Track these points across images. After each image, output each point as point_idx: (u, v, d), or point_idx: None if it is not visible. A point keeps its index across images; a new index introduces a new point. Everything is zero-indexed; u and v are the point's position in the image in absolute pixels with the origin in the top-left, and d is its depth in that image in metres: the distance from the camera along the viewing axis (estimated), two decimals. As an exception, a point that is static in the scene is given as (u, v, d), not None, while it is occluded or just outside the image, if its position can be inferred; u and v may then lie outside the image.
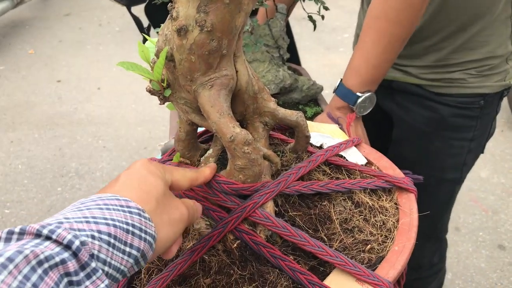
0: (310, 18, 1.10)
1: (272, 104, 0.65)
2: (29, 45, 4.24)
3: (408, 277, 1.36)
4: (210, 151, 0.67)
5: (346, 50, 3.89)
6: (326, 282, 0.55)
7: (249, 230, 0.58)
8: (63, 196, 2.47)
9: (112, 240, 0.38)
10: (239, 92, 0.62)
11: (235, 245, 0.58)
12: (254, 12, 1.29)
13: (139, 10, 1.67)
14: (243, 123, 0.66)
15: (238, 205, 0.58)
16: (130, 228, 0.40)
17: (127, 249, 0.39)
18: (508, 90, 1.11)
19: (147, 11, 1.58)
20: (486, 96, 1.07)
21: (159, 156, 0.77)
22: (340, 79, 0.98)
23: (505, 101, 2.84)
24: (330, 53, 3.86)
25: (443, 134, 1.11)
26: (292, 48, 1.47)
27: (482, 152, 1.19)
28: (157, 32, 1.47)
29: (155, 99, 3.29)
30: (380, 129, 1.22)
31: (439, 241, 1.33)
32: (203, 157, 0.66)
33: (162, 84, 0.60)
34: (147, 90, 0.61)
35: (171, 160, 0.68)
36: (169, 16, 0.55)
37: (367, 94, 0.95)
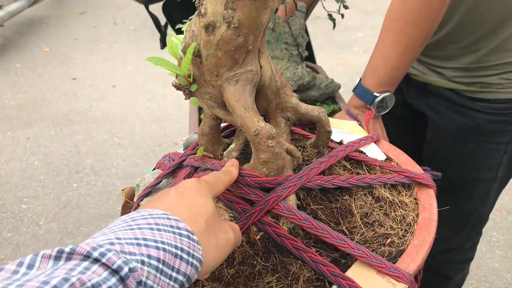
0: (330, 16, 1.11)
1: (294, 99, 0.66)
2: (45, 43, 4.29)
3: (437, 258, 1.34)
4: (232, 145, 0.68)
5: (359, 49, 3.88)
6: (348, 273, 0.56)
7: (272, 222, 0.59)
8: (79, 192, 2.50)
9: (160, 266, 0.38)
10: (263, 87, 0.64)
11: (258, 236, 0.59)
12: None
13: (156, 8, 1.69)
14: (266, 118, 0.68)
15: (261, 198, 0.60)
16: (179, 252, 0.40)
17: (174, 274, 0.39)
18: None
19: (165, 9, 1.59)
20: None
21: (181, 150, 0.79)
22: (359, 79, 0.99)
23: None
24: (344, 52, 3.85)
25: (477, 139, 1.09)
26: (308, 47, 1.48)
27: None
28: (175, 29, 1.48)
29: (169, 97, 3.32)
30: (413, 129, 1.22)
31: (474, 231, 1.31)
32: (226, 151, 0.68)
33: (189, 79, 0.61)
34: (173, 85, 0.63)
35: (195, 153, 0.69)
36: (196, 12, 0.57)
37: (384, 95, 0.96)
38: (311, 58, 1.49)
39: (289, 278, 0.57)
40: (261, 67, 0.62)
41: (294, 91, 1.11)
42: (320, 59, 1.88)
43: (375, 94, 0.95)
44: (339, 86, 1.18)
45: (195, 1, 0.58)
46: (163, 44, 1.77)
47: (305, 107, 0.66)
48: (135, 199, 0.73)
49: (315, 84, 1.14)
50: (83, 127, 3.04)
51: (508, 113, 1.05)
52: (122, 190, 0.79)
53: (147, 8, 1.82)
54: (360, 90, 0.97)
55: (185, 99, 0.65)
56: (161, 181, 0.72)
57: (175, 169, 0.72)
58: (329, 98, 1.19)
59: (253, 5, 0.54)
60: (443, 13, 0.90)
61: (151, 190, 0.71)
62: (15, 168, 2.70)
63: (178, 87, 0.63)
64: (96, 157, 2.76)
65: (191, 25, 0.59)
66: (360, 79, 0.98)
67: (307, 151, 0.71)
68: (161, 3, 1.63)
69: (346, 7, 1.12)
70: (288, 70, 1.11)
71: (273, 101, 0.66)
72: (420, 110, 1.19)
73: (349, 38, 4.12)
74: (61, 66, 3.87)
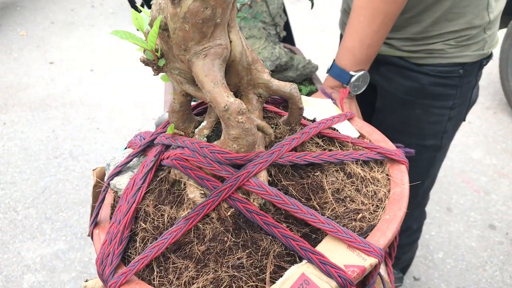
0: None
1: (266, 75, 0.65)
2: (20, 26, 4.19)
3: None
4: (204, 123, 0.67)
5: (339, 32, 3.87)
6: (318, 248, 0.56)
7: (243, 199, 0.59)
8: (57, 178, 2.46)
9: None
10: (233, 63, 0.62)
11: (229, 213, 0.59)
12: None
13: (132, -12, 1.65)
14: (237, 95, 0.67)
15: (232, 175, 0.59)
16: None
17: None
18: (488, 59, 1.14)
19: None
20: (465, 65, 1.10)
21: (153, 129, 0.78)
22: (333, 60, 0.99)
23: (498, 84, 2.86)
24: (325, 35, 3.84)
25: (423, 102, 1.14)
26: (287, 28, 1.47)
27: (464, 120, 1.23)
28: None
29: (149, 82, 3.28)
30: (365, 99, 1.25)
31: (419, 209, 1.38)
32: (197, 129, 0.67)
33: (156, 53, 0.60)
34: (141, 61, 0.61)
35: (165, 132, 0.68)
36: (163, -16, 0.55)
37: (360, 73, 0.96)
38: (289, 39, 1.48)
39: (260, 254, 0.57)
40: (231, 41, 0.61)
41: (272, 71, 1.10)
42: (301, 44, 1.87)
43: (351, 73, 0.95)
44: (316, 67, 1.17)
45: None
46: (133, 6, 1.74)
47: (277, 83, 0.66)
48: (105, 179, 0.72)
49: (293, 64, 1.13)
50: (60, 112, 2.99)
51: (450, 77, 1.10)
52: (93, 170, 0.77)
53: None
54: (335, 70, 0.97)
55: (154, 75, 0.63)
56: (132, 159, 0.71)
57: (145, 148, 0.71)
58: (307, 79, 1.18)
59: (221, -23, 0.53)
60: None
61: (121, 169, 0.70)
62: (-10, 153, 2.65)
63: (146, 62, 0.61)
64: (74, 142, 2.72)
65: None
66: (334, 60, 0.98)
67: (280, 128, 0.71)
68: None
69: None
70: (266, 49, 1.10)
71: (244, 77, 0.65)
72: (371, 81, 1.22)
73: (331, 21, 4.11)
74: (38, 50, 3.79)
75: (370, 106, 1.29)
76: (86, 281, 0.72)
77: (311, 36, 3.81)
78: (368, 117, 1.33)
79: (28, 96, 3.17)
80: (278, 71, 1.12)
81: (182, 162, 0.62)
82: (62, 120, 2.91)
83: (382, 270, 0.75)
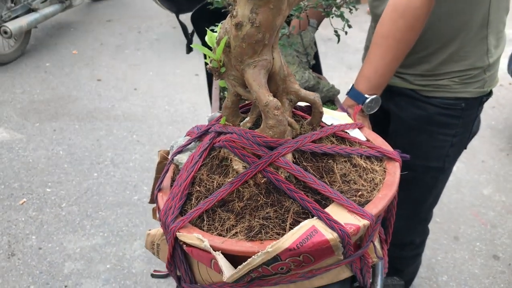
0: (336, 32, 1.34)
1: (296, 86, 0.88)
2: (73, 46, 4.58)
3: (391, 254, 1.61)
4: (247, 119, 0.90)
5: (368, 71, 4.11)
6: (326, 210, 0.77)
7: (274, 171, 0.80)
8: (99, 181, 2.72)
9: None
10: (273, 74, 0.85)
11: (262, 181, 0.80)
12: (288, 23, 1.52)
13: (185, 18, 1.93)
14: (277, 99, 0.89)
15: (266, 154, 0.81)
16: None
17: None
18: (487, 96, 1.35)
19: (193, 19, 1.83)
20: (467, 100, 1.31)
21: (206, 123, 1.00)
22: (352, 84, 1.21)
23: (510, 128, 3.02)
24: (352, 72, 4.08)
25: (429, 129, 1.35)
26: (316, 60, 1.71)
27: (465, 148, 1.44)
28: (200, 38, 1.72)
29: (186, 103, 3.56)
30: (380, 124, 1.47)
31: (422, 225, 1.57)
32: (242, 122, 0.90)
33: (220, 63, 0.83)
34: (208, 68, 0.85)
35: (219, 122, 0.91)
36: (229, 14, 0.79)
37: (373, 96, 1.18)
38: (318, 69, 1.72)
39: (283, 210, 0.78)
40: (273, 58, 0.84)
41: (300, 91, 1.33)
42: (330, 78, 2.11)
43: (366, 96, 1.17)
44: (338, 91, 1.39)
45: (224, 10, 0.80)
46: (189, 49, 2.01)
47: (304, 92, 0.88)
48: (169, 156, 0.94)
49: (319, 87, 1.36)
50: (105, 124, 3.28)
51: (454, 108, 1.31)
52: (159, 151, 1.00)
53: (177, 16, 2.07)
54: (353, 93, 1.19)
55: (215, 79, 0.87)
56: (190, 143, 0.93)
57: (201, 135, 0.93)
58: (330, 101, 1.41)
59: (270, 12, 0.76)
60: (420, 33, 1.13)
61: (182, 149, 0.93)
62: (41, 156, 2.94)
63: (212, 69, 0.85)
64: (116, 151, 2.99)
65: (225, 23, 0.81)
66: (353, 84, 1.20)
67: (304, 128, 0.93)
68: (189, 14, 1.87)
69: (350, 26, 1.35)
70: (297, 73, 1.33)
71: (280, 86, 0.87)
72: (386, 108, 1.43)
73: (358, 59, 4.36)
74: (87, 67, 4.14)
75: (383, 131, 1.50)
76: (150, 230, 0.94)
77: (339, 72, 4.05)
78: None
79: (77, 108, 3.48)
80: (306, 92, 1.35)
81: (231, 143, 0.84)
82: (106, 131, 3.20)
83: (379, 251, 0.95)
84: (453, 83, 1.30)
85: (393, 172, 0.87)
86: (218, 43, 0.83)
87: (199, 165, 0.88)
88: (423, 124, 1.36)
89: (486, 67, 1.30)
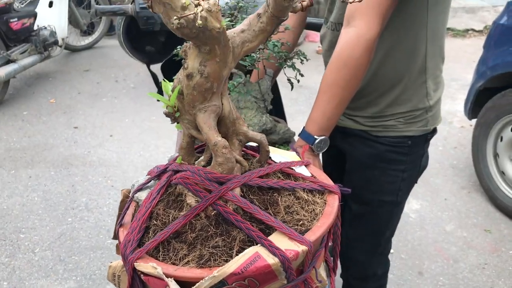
0: (289, 80, 1.47)
1: (245, 127, 0.99)
2: (50, 94, 4.67)
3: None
4: (201, 158, 1.00)
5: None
6: (269, 238, 0.86)
7: (223, 204, 0.89)
8: (73, 226, 2.75)
9: None
10: (223, 117, 0.96)
11: (212, 213, 0.89)
12: (250, 72, 1.64)
13: (156, 68, 2.05)
14: (225, 139, 0.99)
15: (216, 188, 0.90)
16: None
17: None
18: (432, 134, 1.50)
19: (163, 69, 1.96)
20: (412, 138, 1.44)
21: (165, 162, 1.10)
22: (303, 127, 1.33)
23: (472, 167, 3.17)
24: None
25: (381, 166, 1.47)
26: (278, 106, 1.85)
27: (416, 182, 1.56)
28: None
29: (161, 148, 3.64)
30: (337, 163, 1.59)
31: (383, 257, 1.66)
32: (197, 161, 0.99)
33: (175, 109, 0.94)
34: (164, 113, 0.95)
35: (176, 161, 1.01)
36: (182, 67, 0.90)
37: (322, 137, 1.29)
38: (280, 114, 1.84)
39: (230, 239, 0.86)
40: (222, 104, 0.95)
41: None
42: (300, 121, 2.24)
43: (315, 137, 1.28)
44: (294, 133, 1.51)
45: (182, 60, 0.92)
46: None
47: (252, 133, 0.99)
48: (130, 194, 1.03)
49: (276, 130, 1.47)
50: (80, 170, 3.34)
51: (401, 146, 1.44)
52: (122, 190, 1.09)
53: (148, 67, 2.20)
54: (303, 134, 1.30)
55: (171, 123, 0.97)
56: (150, 181, 1.02)
57: (160, 174, 1.03)
58: (286, 142, 1.52)
59: (217, 64, 0.88)
60: (362, 80, 1.26)
61: (142, 187, 1.02)
62: (16, 202, 2.97)
63: (167, 114, 0.95)
64: (90, 196, 3.03)
65: (178, 75, 0.92)
66: (304, 127, 1.32)
67: (253, 165, 1.03)
68: (159, 64, 1.99)
69: (302, 75, 1.49)
70: (256, 117, 1.44)
71: (230, 128, 0.98)
72: (342, 148, 1.55)
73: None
74: (64, 115, 4.22)
75: (341, 168, 1.62)
76: (111, 262, 1.01)
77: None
78: (340, 177, 1.66)
79: (53, 155, 3.54)
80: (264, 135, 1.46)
81: (185, 179, 0.93)
82: (81, 177, 3.25)
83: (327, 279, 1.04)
84: (399, 123, 1.43)
85: (332, 204, 0.97)
86: (172, 91, 0.94)
87: (157, 201, 0.96)
88: (375, 162, 1.48)
89: (427, 108, 1.43)
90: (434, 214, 2.83)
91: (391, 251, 2.51)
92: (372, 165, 1.49)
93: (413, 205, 2.89)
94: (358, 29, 1.20)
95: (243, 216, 0.90)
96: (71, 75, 5.24)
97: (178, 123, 0.98)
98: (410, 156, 1.48)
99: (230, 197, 0.90)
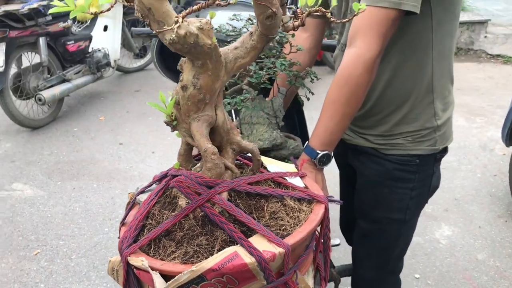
0: (300, 98, 1.53)
1: (238, 137, 1.06)
2: (101, 112, 4.94)
3: None
4: (198, 164, 1.07)
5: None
6: (249, 239, 0.92)
7: (210, 206, 0.96)
8: (108, 236, 2.90)
9: None
10: (218, 127, 1.04)
11: (200, 214, 0.96)
12: (263, 89, 1.71)
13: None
14: (220, 148, 1.07)
15: (205, 192, 0.97)
16: None
17: None
18: (441, 153, 1.50)
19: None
20: (420, 157, 1.46)
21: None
22: (307, 142, 1.38)
23: (510, 196, 3.06)
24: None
25: (389, 184, 1.49)
26: (301, 125, 1.93)
27: (426, 202, 1.57)
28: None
29: (198, 166, 3.76)
30: (350, 180, 1.62)
31: (393, 275, 1.66)
32: (193, 168, 1.07)
33: (172, 118, 1.02)
34: (164, 122, 1.04)
35: (174, 167, 1.09)
36: (179, 79, 0.99)
37: (324, 152, 1.33)
38: (304, 134, 1.91)
39: (213, 239, 0.93)
40: (217, 114, 1.03)
41: (269, 148, 1.50)
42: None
43: (318, 151, 1.33)
44: (303, 149, 1.56)
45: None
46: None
47: (244, 143, 1.06)
48: (134, 196, 1.12)
49: (286, 146, 1.53)
50: (121, 184, 3.51)
51: (409, 164, 1.46)
52: (129, 193, 1.18)
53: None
54: (307, 149, 1.36)
55: (171, 131, 1.05)
56: (152, 184, 1.11)
57: (161, 178, 1.11)
58: (296, 157, 1.57)
59: (209, 77, 0.96)
60: (364, 97, 1.30)
61: (144, 190, 1.11)
62: (59, 211, 3.16)
63: (167, 123, 1.04)
64: (127, 209, 3.17)
65: (176, 86, 1.01)
66: (307, 142, 1.37)
67: (246, 173, 1.09)
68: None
69: (312, 93, 1.55)
70: (267, 132, 1.51)
71: (224, 137, 1.05)
72: (353, 166, 1.58)
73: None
74: (111, 132, 4.45)
75: (352, 185, 1.66)
76: (111, 257, 1.10)
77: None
78: (350, 195, 1.69)
79: (97, 169, 3.74)
80: (274, 149, 1.52)
81: (179, 183, 1.01)
82: (121, 190, 3.41)
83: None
84: (407, 141, 1.45)
85: (318, 212, 1.02)
86: (177, 103, 1.02)
87: (154, 202, 1.05)
88: (384, 179, 1.51)
89: (435, 128, 1.45)
90: (466, 241, 2.76)
91: (416, 275, 2.47)
92: (381, 182, 1.52)
93: (444, 231, 2.83)
94: (358, 49, 1.26)
95: (227, 219, 0.96)
96: (122, 95, 5.52)
97: (176, 131, 1.06)
98: (419, 175, 1.49)
99: (217, 200, 0.96)
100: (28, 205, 3.23)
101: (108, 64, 5.14)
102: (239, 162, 1.15)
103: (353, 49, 1.27)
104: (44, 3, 4.13)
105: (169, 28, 0.80)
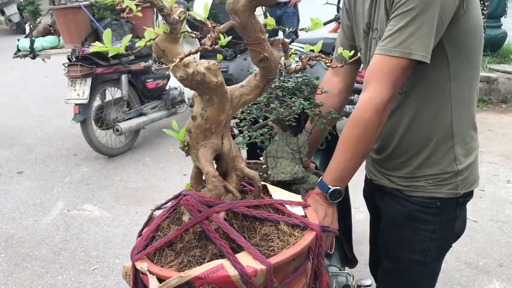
0: (322, 136, 1.63)
1: (242, 165, 1.18)
2: (171, 145, 5.27)
3: None
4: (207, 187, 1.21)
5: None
6: (237, 255, 1.02)
7: (207, 223, 1.09)
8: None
9: None
10: (224, 154, 1.17)
11: (198, 229, 1.09)
12: (299, 130, 1.82)
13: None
14: (226, 173, 1.20)
15: (205, 210, 1.10)
16: None
17: None
18: (464, 198, 1.52)
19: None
20: (442, 200, 1.49)
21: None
22: (321, 176, 1.47)
23: None
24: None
25: (411, 224, 1.53)
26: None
27: (450, 246, 1.59)
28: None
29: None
30: (378, 221, 1.68)
31: None
32: (202, 190, 1.20)
33: (185, 144, 1.17)
34: (180, 148, 1.19)
35: (185, 188, 1.23)
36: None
37: (336, 188, 1.41)
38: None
39: (205, 251, 1.05)
40: (222, 143, 1.16)
41: (290, 181, 1.61)
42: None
43: (329, 186, 1.41)
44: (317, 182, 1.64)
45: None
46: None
47: (247, 170, 1.18)
48: (152, 212, 1.27)
49: (307, 180, 1.63)
50: (179, 212, 3.71)
51: (430, 207, 1.49)
52: (151, 209, 1.34)
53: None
54: (320, 183, 1.44)
55: (186, 156, 1.20)
56: (168, 202, 1.26)
57: (176, 197, 1.26)
58: (317, 191, 1.65)
59: (215, 110, 1.10)
60: (375, 139, 1.38)
61: (161, 206, 1.26)
62: (120, 232, 3.41)
63: (181, 148, 1.19)
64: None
65: (190, 117, 1.16)
66: (321, 176, 1.46)
67: (248, 198, 1.20)
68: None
69: (335, 133, 1.64)
70: (289, 166, 1.62)
71: (230, 164, 1.18)
72: (378, 206, 1.62)
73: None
74: (179, 164, 4.73)
75: (378, 224, 1.70)
76: (126, 264, 1.24)
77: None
78: (375, 234, 1.73)
79: (160, 196, 3.99)
80: (296, 183, 1.62)
81: (186, 201, 1.15)
82: (178, 218, 3.61)
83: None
84: (428, 184, 1.49)
85: (307, 238, 1.10)
86: (189, 131, 1.18)
87: (165, 217, 1.19)
88: (406, 220, 1.54)
89: (456, 172, 1.48)
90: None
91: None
92: (403, 223, 1.55)
93: (495, 287, 2.69)
94: (369, 93, 1.34)
95: (221, 235, 1.08)
96: (193, 130, 5.83)
97: (189, 155, 1.21)
98: (440, 218, 1.51)
99: (214, 218, 1.08)
100: (94, 224, 3.53)
101: (182, 101, 5.51)
102: (243, 187, 1.26)
103: (366, 93, 1.36)
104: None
105: (173, 64, 0.95)
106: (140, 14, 0.92)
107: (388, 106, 1.34)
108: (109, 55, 1.07)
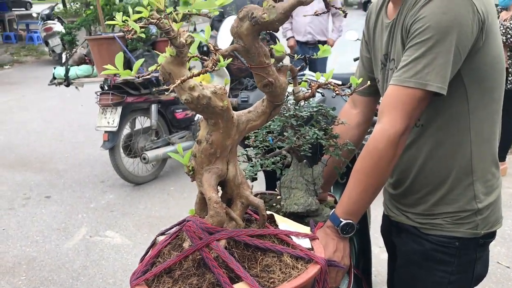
0: (336, 168, 1.59)
1: (247, 192, 1.15)
2: (198, 176, 5.28)
3: None
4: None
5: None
6: (234, 285, 0.98)
7: (207, 251, 1.05)
8: None
9: None
10: (228, 180, 1.14)
11: (197, 257, 1.05)
12: (315, 161, 1.78)
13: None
14: (231, 201, 1.17)
15: (206, 237, 1.07)
16: None
17: None
18: (485, 239, 1.43)
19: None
20: (460, 239, 1.41)
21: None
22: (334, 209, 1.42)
23: None
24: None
25: (427, 264, 1.45)
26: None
27: None
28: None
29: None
30: (395, 257, 1.61)
31: None
32: (206, 216, 1.18)
33: (190, 169, 1.15)
34: (185, 172, 1.17)
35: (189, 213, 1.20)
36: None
37: (347, 221, 1.35)
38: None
39: (202, 280, 1.01)
40: (228, 169, 1.14)
41: (303, 213, 1.56)
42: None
43: (341, 220, 1.36)
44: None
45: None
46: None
47: (252, 197, 1.14)
48: (155, 238, 1.25)
49: (321, 213, 1.58)
50: (199, 243, 3.67)
51: (448, 246, 1.40)
52: (156, 235, 1.31)
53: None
54: (332, 216, 1.39)
55: (191, 181, 1.18)
56: (172, 228, 1.23)
57: (180, 223, 1.23)
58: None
59: (221, 135, 1.08)
60: (389, 171, 1.32)
61: (164, 232, 1.23)
62: (139, 260, 3.39)
63: (187, 173, 1.17)
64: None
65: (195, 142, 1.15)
66: (334, 209, 1.41)
67: (253, 225, 1.17)
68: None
69: (350, 165, 1.59)
70: (303, 198, 1.57)
71: (235, 190, 1.15)
72: (395, 243, 1.55)
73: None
74: (203, 195, 4.71)
75: (394, 262, 1.63)
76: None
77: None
78: (391, 273, 1.65)
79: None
80: (309, 215, 1.57)
81: (187, 227, 1.12)
82: (198, 249, 3.57)
83: None
84: (446, 222, 1.42)
85: (311, 271, 1.05)
86: (194, 155, 1.16)
87: (167, 243, 1.16)
88: (422, 259, 1.47)
89: (476, 211, 1.40)
90: None
91: None
92: (419, 262, 1.48)
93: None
94: (383, 125, 1.30)
95: (220, 264, 1.04)
96: (220, 161, 5.85)
97: (194, 181, 1.19)
98: (459, 259, 1.43)
99: (214, 246, 1.05)
100: (114, 251, 3.53)
101: (210, 131, 5.54)
102: (249, 216, 1.23)
103: (379, 125, 1.32)
104: (156, 74, 4.67)
105: (173, 85, 0.94)
106: (143, 36, 0.92)
107: (402, 138, 1.29)
108: (120, 77, 1.07)
